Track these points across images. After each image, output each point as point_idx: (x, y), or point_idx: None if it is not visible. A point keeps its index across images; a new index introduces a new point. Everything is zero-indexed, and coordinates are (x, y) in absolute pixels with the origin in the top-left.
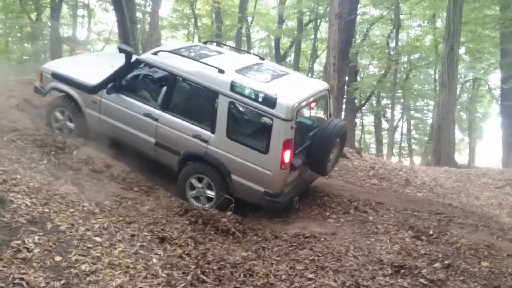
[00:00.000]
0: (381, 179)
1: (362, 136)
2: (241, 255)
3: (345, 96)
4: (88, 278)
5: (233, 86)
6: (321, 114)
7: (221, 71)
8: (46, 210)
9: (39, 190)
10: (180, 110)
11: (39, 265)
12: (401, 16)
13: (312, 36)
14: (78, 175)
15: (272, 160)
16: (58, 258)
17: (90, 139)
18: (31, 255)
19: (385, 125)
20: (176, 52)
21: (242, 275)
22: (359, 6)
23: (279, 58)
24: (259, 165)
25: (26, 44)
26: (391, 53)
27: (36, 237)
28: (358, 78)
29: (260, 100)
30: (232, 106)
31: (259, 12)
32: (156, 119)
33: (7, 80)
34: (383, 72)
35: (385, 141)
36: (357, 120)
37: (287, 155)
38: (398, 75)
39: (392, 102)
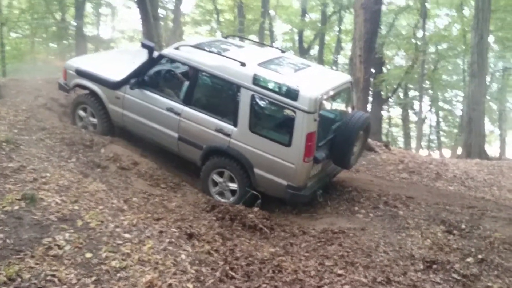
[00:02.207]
0: (411, 172)
1: (389, 129)
2: (269, 251)
3: (371, 88)
4: (118, 274)
5: (255, 79)
6: (343, 106)
7: (243, 64)
8: (76, 207)
9: (69, 188)
10: (202, 104)
11: (70, 262)
12: (428, 6)
13: (336, 28)
14: (106, 172)
15: (295, 153)
16: (88, 255)
17: (116, 136)
18: (62, 252)
19: (413, 117)
20: (198, 46)
21: (270, 271)
22: None
23: (303, 51)
24: (282, 158)
25: (51, 44)
26: (418, 43)
27: (67, 234)
28: (384, 69)
29: (283, 92)
30: (254, 99)
31: (282, 5)
32: (178, 114)
33: (34, 80)
34: (410, 63)
35: (413, 134)
36: (384, 113)
37: (310, 148)
38: (426, 66)
39: (420, 94)
